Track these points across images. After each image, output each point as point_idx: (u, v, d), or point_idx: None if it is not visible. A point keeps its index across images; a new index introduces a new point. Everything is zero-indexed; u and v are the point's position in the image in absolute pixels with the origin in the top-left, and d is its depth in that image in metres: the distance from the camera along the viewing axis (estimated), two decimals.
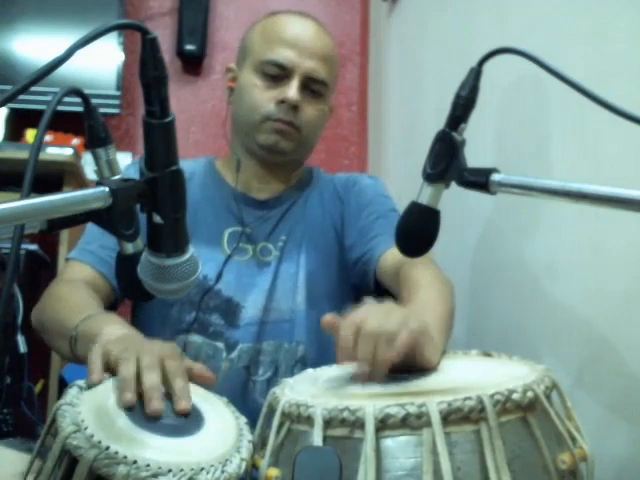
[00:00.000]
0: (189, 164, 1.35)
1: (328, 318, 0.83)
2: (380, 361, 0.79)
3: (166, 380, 0.80)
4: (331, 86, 1.32)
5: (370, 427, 0.68)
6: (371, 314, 0.81)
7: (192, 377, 0.87)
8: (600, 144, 0.99)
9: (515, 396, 0.70)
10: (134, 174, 0.72)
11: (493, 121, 1.32)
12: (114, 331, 0.91)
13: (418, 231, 0.94)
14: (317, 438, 0.70)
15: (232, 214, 1.30)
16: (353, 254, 1.29)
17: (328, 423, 0.71)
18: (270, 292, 1.24)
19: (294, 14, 1.33)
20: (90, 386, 0.80)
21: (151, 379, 0.78)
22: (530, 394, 0.71)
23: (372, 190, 1.35)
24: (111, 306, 1.21)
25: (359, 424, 0.69)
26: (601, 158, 0.99)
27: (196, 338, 1.21)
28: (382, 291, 1.24)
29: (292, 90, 1.24)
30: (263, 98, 1.26)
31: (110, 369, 0.82)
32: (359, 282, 1.30)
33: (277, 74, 1.26)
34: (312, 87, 1.27)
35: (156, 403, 0.76)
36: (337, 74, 1.36)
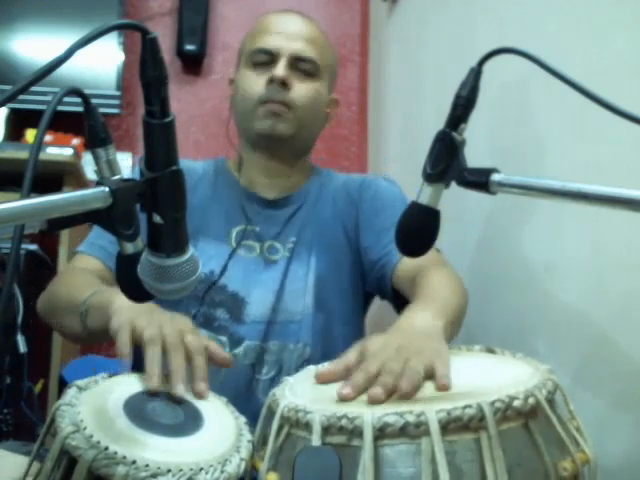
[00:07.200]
0: (200, 165, 1.38)
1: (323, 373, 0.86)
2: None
3: (188, 357, 0.89)
4: (323, 66, 1.32)
5: (368, 436, 0.68)
6: (386, 361, 0.80)
7: (208, 355, 0.93)
8: (600, 144, 0.99)
9: (516, 403, 0.69)
10: None
11: (492, 121, 1.32)
12: (126, 300, 0.92)
13: (418, 231, 0.93)
14: (315, 445, 0.70)
15: (241, 212, 1.31)
16: (370, 256, 1.28)
17: (326, 430, 0.71)
18: (279, 292, 1.25)
19: (281, 11, 1.37)
20: (88, 386, 0.81)
21: (177, 361, 0.87)
22: (532, 400, 0.71)
23: (388, 193, 1.34)
24: None
25: (357, 432, 0.69)
26: (601, 158, 0.99)
27: (201, 332, 1.21)
28: (397, 294, 1.24)
29: (279, 68, 1.26)
30: (254, 84, 1.28)
31: (136, 342, 0.90)
32: (376, 285, 1.30)
33: (265, 60, 1.28)
34: (301, 66, 1.29)
35: (180, 388, 0.84)
36: (329, 59, 1.36)
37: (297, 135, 1.30)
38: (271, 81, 1.26)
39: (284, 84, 1.26)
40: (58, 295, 1.15)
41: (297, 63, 1.28)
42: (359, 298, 1.33)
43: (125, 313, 0.92)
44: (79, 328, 1.04)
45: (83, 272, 1.18)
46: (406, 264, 1.20)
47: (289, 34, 1.29)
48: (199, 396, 0.86)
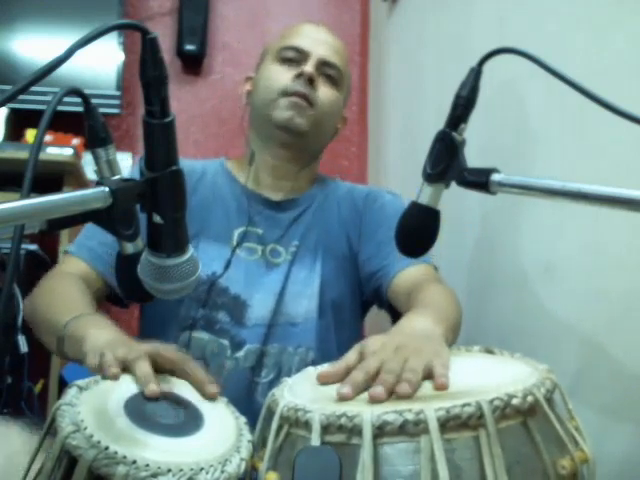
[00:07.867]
0: (200, 164, 1.38)
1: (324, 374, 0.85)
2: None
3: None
4: (344, 77, 1.36)
5: (367, 434, 0.68)
6: (385, 360, 0.80)
7: (195, 383, 0.89)
8: (600, 144, 0.99)
9: (515, 401, 0.69)
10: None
11: (491, 121, 1.32)
12: (100, 335, 0.92)
13: (418, 231, 0.94)
14: (315, 444, 0.70)
15: (243, 213, 1.30)
16: (368, 268, 1.29)
17: (326, 429, 0.71)
18: (280, 295, 1.25)
19: (312, 22, 1.43)
20: (89, 386, 0.81)
21: (142, 368, 0.83)
22: (530, 398, 0.71)
23: (392, 206, 1.34)
24: (119, 304, 1.23)
25: (357, 431, 0.69)
26: (601, 158, 0.99)
27: (203, 335, 1.21)
28: (392, 306, 1.25)
29: (308, 66, 1.30)
30: (281, 76, 1.30)
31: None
32: (372, 296, 1.31)
33: (294, 57, 1.32)
34: (327, 72, 1.33)
35: (152, 385, 0.81)
36: (349, 76, 1.41)
37: (311, 134, 1.31)
38: (299, 76, 1.29)
39: (311, 81, 1.28)
40: (39, 309, 1.11)
41: (323, 68, 1.32)
42: (358, 305, 1.34)
43: (97, 351, 0.88)
44: (55, 349, 1.01)
45: (68, 281, 1.14)
46: (402, 279, 1.21)
47: (319, 40, 1.34)
48: (211, 398, 0.85)
